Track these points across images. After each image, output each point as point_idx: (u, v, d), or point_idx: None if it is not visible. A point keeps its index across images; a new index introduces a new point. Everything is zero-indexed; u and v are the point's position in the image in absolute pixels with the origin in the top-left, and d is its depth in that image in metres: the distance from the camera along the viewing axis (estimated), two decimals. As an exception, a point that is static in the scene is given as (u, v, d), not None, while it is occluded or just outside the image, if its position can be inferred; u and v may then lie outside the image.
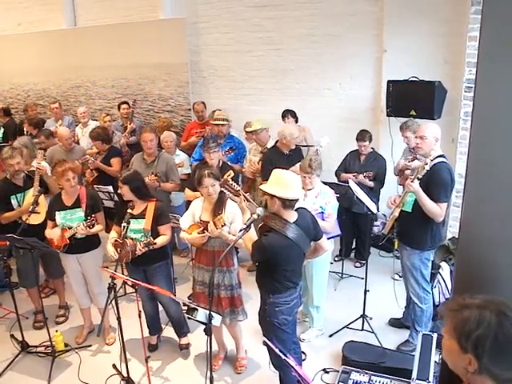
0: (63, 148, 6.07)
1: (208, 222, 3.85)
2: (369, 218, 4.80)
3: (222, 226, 3.75)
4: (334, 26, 6.73)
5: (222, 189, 3.75)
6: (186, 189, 5.10)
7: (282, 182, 3.22)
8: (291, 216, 3.29)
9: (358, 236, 6.24)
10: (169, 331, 4.70)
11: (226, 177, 4.03)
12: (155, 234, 4.11)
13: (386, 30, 6.29)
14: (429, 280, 4.27)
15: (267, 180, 3.39)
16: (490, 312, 1.56)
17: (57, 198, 4.49)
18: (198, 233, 3.86)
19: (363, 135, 5.71)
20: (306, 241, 3.36)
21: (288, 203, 3.21)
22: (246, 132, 6.17)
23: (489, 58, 1.85)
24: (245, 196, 3.53)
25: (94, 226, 4.22)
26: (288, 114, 6.48)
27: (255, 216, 3.24)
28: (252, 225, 3.33)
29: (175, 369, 4.36)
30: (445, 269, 4.97)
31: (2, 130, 8.02)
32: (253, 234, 3.45)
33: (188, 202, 4.88)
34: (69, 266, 4.57)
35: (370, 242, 5.35)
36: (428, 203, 3.84)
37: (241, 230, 3.28)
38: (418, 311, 4.27)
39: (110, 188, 5.25)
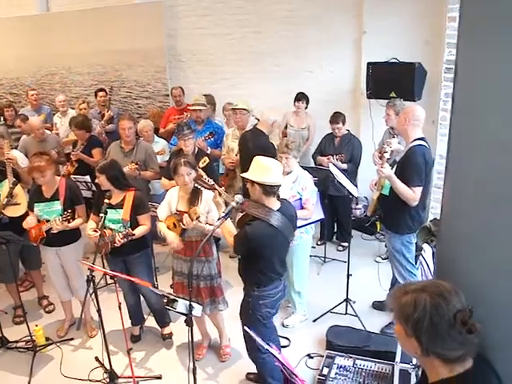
0: (36, 138, 5.92)
1: (185, 213, 3.79)
2: (347, 200, 4.79)
3: (197, 218, 3.69)
4: (313, 7, 6.65)
5: (196, 185, 3.65)
6: (163, 178, 5.02)
7: (262, 168, 3.16)
8: (274, 204, 3.23)
9: (337, 219, 6.23)
10: (152, 321, 4.64)
11: (199, 172, 3.95)
12: (134, 223, 4.05)
13: (365, 11, 6.24)
14: (414, 262, 4.26)
15: (243, 164, 3.33)
16: (427, 295, 1.60)
17: (37, 188, 4.38)
18: (174, 224, 3.81)
19: (336, 117, 5.70)
20: (290, 229, 3.30)
21: (269, 189, 3.15)
22: (231, 110, 6.03)
23: (468, 38, 1.80)
24: (219, 190, 3.46)
25: (69, 221, 4.12)
26: (302, 97, 6.39)
27: (234, 203, 3.17)
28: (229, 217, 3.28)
29: (158, 359, 4.32)
30: (427, 250, 4.96)
31: None
32: (231, 227, 3.38)
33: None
34: (48, 259, 4.48)
35: (351, 223, 5.35)
36: (400, 187, 3.83)
37: (219, 219, 3.22)
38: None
39: (88, 178, 5.15)
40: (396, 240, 4.13)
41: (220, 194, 3.45)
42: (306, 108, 6.46)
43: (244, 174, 3.27)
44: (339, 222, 6.24)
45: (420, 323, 1.58)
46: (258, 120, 5.66)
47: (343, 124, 5.70)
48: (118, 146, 5.42)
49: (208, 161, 4.81)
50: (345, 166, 5.56)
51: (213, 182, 3.51)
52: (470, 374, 1.62)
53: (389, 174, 3.83)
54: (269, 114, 5.23)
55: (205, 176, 3.62)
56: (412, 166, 3.84)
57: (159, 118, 6.98)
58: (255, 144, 5.00)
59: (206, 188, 3.58)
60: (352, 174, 5.59)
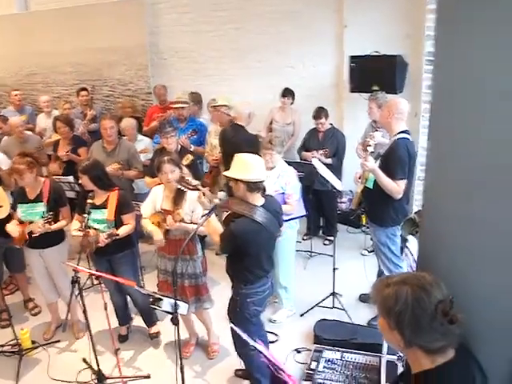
0: (17, 139, 5.85)
1: (169, 212, 3.79)
2: (332, 195, 4.80)
3: (180, 220, 3.68)
4: (294, 3, 6.65)
5: (180, 186, 3.64)
6: (146, 176, 5.00)
7: (245, 165, 3.16)
8: (258, 200, 3.23)
9: (323, 213, 6.24)
10: (139, 321, 4.62)
11: (182, 172, 3.93)
12: (119, 223, 4.03)
13: (345, 5, 6.25)
14: (399, 254, 4.29)
15: (225, 160, 3.32)
16: (408, 287, 1.61)
17: (21, 189, 4.33)
18: (159, 222, 3.81)
19: (319, 112, 5.71)
20: (275, 224, 3.30)
21: (253, 186, 3.15)
22: (211, 107, 6.03)
23: (446, 29, 1.81)
24: (203, 190, 3.44)
25: (51, 223, 4.08)
26: (288, 93, 6.39)
27: (217, 200, 3.18)
28: (213, 213, 3.27)
29: (146, 358, 4.31)
30: (412, 242, 5.00)
31: None
32: (217, 225, 3.36)
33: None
34: (32, 262, 4.44)
35: (336, 217, 5.37)
36: (384, 180, 3.85)
37: (203, 216, 3.21)
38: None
39: (71, 178, 5.11)
40: (381, 233, 4.15)
41: (204, 194, 3.43)
42: (292, 104, 6.46)
43: (226, 173, 3.25)
44: (325, 216, 6.26)
45: (402, 316, 1.59)
46: (229, 116, 5.66)
47: (326, 119, 5.70)
48: (100, 145, 5.37)
49: (191, 158, 4.80)
50: (329, 160, 5.56)
51: (196, 183, 3.49)
52: (452, 365, 1.64)
53: (372, 167, 3.85)
54: (242, 106, 5.27)
55: (187, 177, 3.60)
56: (395, 159, 3.86)
57: (133, 109, 6.85)
58: (240, 138, 5.00)
59: (189, 189, 3.56)
60: (337, 169, 5.60)
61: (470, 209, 1.78)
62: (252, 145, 4.94)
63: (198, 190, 3.46)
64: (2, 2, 9.04)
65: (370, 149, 3.89)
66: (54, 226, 4.16)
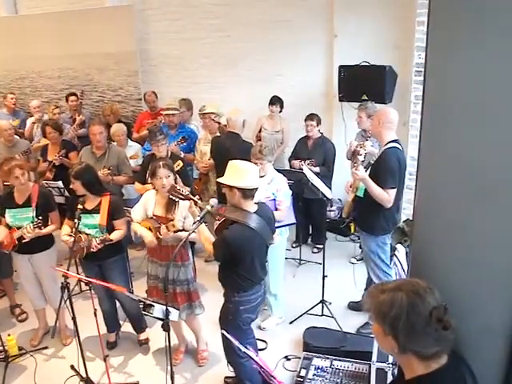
0: (6, 143, 5.80)
1: (162, 218, 3.79)
2: (321, 203, 4.83)
3: (175, 231, 3.69)
4: (284, 12, 6.69)
5: (171, 196, 3.63)
6: (136, 182, 4.99)
7: (239, 173, 3.17)
8: (251, 207, 3.24)
9: (312, 221, 6.27)
10: (128, 327, 4.60)
11: (173, 184, 3.91)
12: (110, 228, 4.02)
13: (335, 15, 6.31)
14: (389, 263, 4.32)
15: (219, 169, 3.33)
16: (403, 293, 1.63)
17: (8, 195, 4.29)
18: (150, 229, 3.82)
19: (311, 115, 5.78)
20: (268, 231, 3.32)
21: (248, 193, 3.16)
22: (200, 114, 6.03)
23: (437, 42, 1.84)
24: (194, 199, 3.44)
25: (41, 227, 4.05)
26: (276, 101, 6.42)
27: (208, 207, 3.18)
28: (203, 223, 3.28)
29: (136, 365, 4.29)
30: (400, 251, 5.03)
31: None
32: (207, 234, 3.37)
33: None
34: (20, 267, 4.40)
35: (325, 226, 5.39)
36: (375, 189, 3.89)
37: (194, 223, 3.22)
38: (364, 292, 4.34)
39: (60, 183, 5.07)
40: (371, 241, 4.19)
41: (196, 203, 3.43)
42: (281, 112, 6.50)
43: (221, 180, 3.25)
44: (314, 224, 6.28)
45: (397, 321, 1.60)
46: (219, 124, 5.66)
47: (317, 124, 5.75)
48: (89, 151, 5.35)
49: (182, 164, 4.80)
50: (317, 169, 5.60)
51: (187, 192, 3.49)
52: (446, 370, 1.66)
53: (363, 176, 3.88)
54: (237, 114, 5.26)
55: (178, 186, 3.59)
56: (386, 168, 3.90)
57: (114, 113, 6.83)
58: (238, 148, 4.98)
59: (181, 199, 3.56)
60: (326, 177, 5.62)
61: (461, 217, 1.81)
62: (248, 153, 5.02)
63: (190, 199, 3.46)
64: (-10, 6, 9.00)
65: (361, 158, 3.94)
66: (44, 231, 4.13)
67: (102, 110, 7.20)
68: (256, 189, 3.21)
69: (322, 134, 5.89)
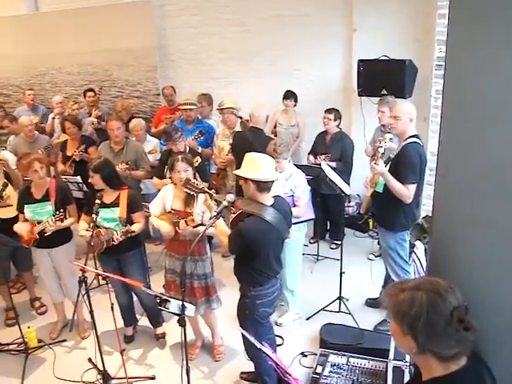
0: (26, 139, 5.88)
1: (180, 212, 3.80)
2: (339, 198, 4.79)
3: (194, 226, 3.68)
4: (303, 6, 6.65)
5: (186, 190, 3.63)
6: (154, 177, 5.00)
7: (255, 165, 3.16)
8: (267, 200, 3.22)
9: (330, 217, 6.23)
10: (145, 321, 4.63)
11: (188, 177, 3.92)
12: (129, 222, 4.04)
13: (355, 9, 6.25)
14: (408, 260, 4.27)
15: (239, 163, 3.31)
16: (423, 292, 1.59)
17: (26, 190, 4.34)
18: (172, 227, 3.81)
19: (330, 110, 5.75)
20: (284, 225, 3.29)
21: (263, 186, 3.14)
22: (218, 109, 6.02)
23: (457, 36, 1.80)
24: (210, 193, 3.43)
25: (62, 220, 4.10)
26: (290, 95, 6.40)
27: (225, 203, 3.16)
28: (221, 216, 3.26)
29: (152, 359, 4.31)
30: (419, 247, 4.98)
31: None
32: (224, 228, 3.36)
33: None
34: (40, 261, 4.46)
35: (343, 222, 5.35)
36: (394, 184, 3.83)
37: (211, 218, 3.21)
38: (383, 291, 4.28)
39: (79, 178, 5.11)
40: (390, 237, 4.13)
41: (211, 196, 3.42)
42: (295, 106, 6.47)
43: (237, 171, 3.25)
44: (331, 220, 6.24)
45: (416, 321, 1.57)
46: (241, 119, 5.65)
47: (335, 119, 5.70)
48: (107, 146, 5.39)
49: (200, 160, 4.79)
50: (334, 164, 5.56)
51: (202, 186, 3.48)
52: (465, 372, 1.62)
53: (382, 170, 3.83)
54: (260, 110, 5.23)
55: (193, 180, 3.59)
56: (406, 163, 3.84)
57: (125, 109, 6.80)
58: (262, 143, 4.97)
59: (195, 192, 3.56)
60: (344, 173, 5.58)
61: (482, 213, 1.77)
62: None
63: (205, 192, 3.45)
64: (11, 3, 9.10)
65: (381, 150, 3.86)
66: (64, 223, 4.18)
67: (114, 105, 7.25)
68: (272, 182, 3.17)
69: (340, 129, 5.84)
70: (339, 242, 5.86)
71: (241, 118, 5.67)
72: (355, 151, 5.79)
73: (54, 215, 4.12)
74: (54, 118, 7.09)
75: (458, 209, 1.89)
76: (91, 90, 7.44)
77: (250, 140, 5.04)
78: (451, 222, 1.94)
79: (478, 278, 1.77)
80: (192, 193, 3.64)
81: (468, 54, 1.75)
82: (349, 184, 5.49)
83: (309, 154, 5.93)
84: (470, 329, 1.56)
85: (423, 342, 1.58)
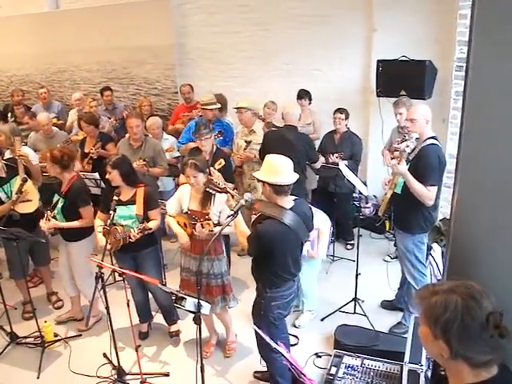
0: (45, 135, 5.95)
1: (197, 213, 3.83)
2: (347, 198, 4.77)
3: (210, 230, 3.70)
4: (323, 6, 6.60)
5: (208, 189, 3.64)
6: (182, 175, 5.01)
7: (273, 168, 3.14)
8: (286, 202, 3.19)
9: (337, 216, 6.16)
10: (159, 318, 4.65)
11: (212, 173, 3.94)
12: (145, 219, 4.06)
13: (375, 8, 6.19)
14: (425, 262, 4.22)
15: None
16: (457, 296, 1.55)
17: (58, 184, 4.44)
18: (185, 224, 3.84)
19: (340, 109, 5.77)
20: (303, 229, 3.26)
21: (279, 189, 3.12)
22: (235, 109, 6.02)
23: (482, 36, 1.77)
24: (232, 193, 3.43)
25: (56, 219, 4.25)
26: (304, 94, 6.41)
27: (243, 202, 3.16)
28: (240, 214, 3.27)
29: (166, 356, 4.33)
30: (436, 250, 4.93)
31: None
32: (244, 228, 3.36)
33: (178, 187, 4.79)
34: (60, 252, 4.57)
35: (351, 222, 5.31)
36: (416, 186, 3.78)
37: (228, 217, 3.21)
38: (413, 293, 4.24)
39: (97, 175, 5.15)
40: (408, 240, 4.09)
41: (233, 197, 3.43)
42: (310, 104, 6.46)
43: (256, 174, 3.24)
44: (339, 220, 6.16)
45: (450, 325, 1.53)
46: (263, 120, 5.65)
47: (346, 118, 5.72)
48: (126, 142, 5.43)
49: (224, 163, 4.73)
50: (345, 162, 5.54)
51: (224, 185, 3.48)
52: (495, 381, 1.57)
53: (404, 171, 3.77)
54: (293, 108, 5.26)
55: (215, 179, 3.60)
56: (427, 165, 3.79)
57: (150, 107, 6.85)
58: (301, 141, 5.05)
59: (217, 191, 3.57)
60: (354, 171, 5.57)
61: (503, 216, 1.75)
62: (309, 145, 5.10)
63: (227, 192, 3.46)
64: (33, 1, 9.22)
65: (408, 150, 3.78)
66: (65, 224, 4.27)
67: (138, 101, 7.28)
68: (289, 185, 3.15)
69: (348, 128, 5.86)
70: (352, 242, 5.86)
71: (263, 119, 5.66)
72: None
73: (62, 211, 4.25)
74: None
75: (479, 212, 1.86)
76: (108, 88, 7.49)
77: (286, 138, 5.02)
78: (473, 226, 1.92)
79: (500, 283, 1.74)
80: (214, 192, 3.66)
81: (493, 56, 1.72)
82: (365, 184, 5.48)
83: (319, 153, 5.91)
84: (506, 335, 1.51)
85: (456, 346, 1.54)
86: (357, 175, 5.63)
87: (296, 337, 4.38)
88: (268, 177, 3.11)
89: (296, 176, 3.20)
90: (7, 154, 5.06)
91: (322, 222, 4.31)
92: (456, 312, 1.52)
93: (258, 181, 3.22)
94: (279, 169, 3.13)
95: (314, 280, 4.65)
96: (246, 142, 5.64)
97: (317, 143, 6.43)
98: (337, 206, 5.87)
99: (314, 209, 3.62)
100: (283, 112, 5.30)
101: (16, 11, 9.37)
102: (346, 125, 5.83)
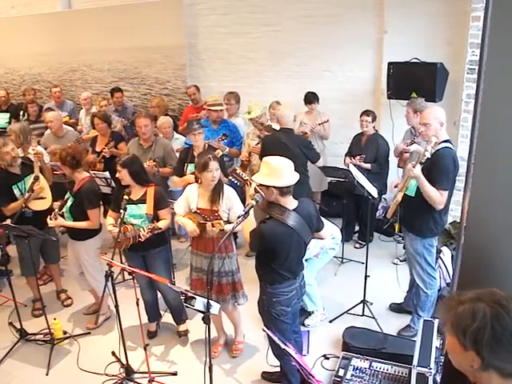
0: (55, 134, 5.98)
1: (206, 211, 3.84)
2: (370, 201, 4.75)
3: (221, 230, 3.71)
4: (333, 7, 6.61)
5: (230, 177, 3.66)
6: (174, 176, 5.04)
7: (275, 171, 3.13)
8: (290, 203, 3.21)
9: (361, 218, 6.18)
10: (168, 317, 4.66)
11: (234, 167, 3.99)
12: (155, 218, 4.08)
13: (386, 10, 6.18)
14: (434, 266, 4.21)
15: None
16: (485, 304, 1.50)
17: (71, 183, 4.48)
18: (199, 227, 3.85)
19: (367, 112, 5.72)
20: (306, 229, 3.26)
21: (285, 190, 3.13)
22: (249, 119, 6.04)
23: (496, 39, 1.77)
24: (253, 186, 3.44)
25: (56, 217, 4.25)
26: (313, 98, 6.37)
27: (253, 202, 3.16)
28: (251, 213, 3.27)
29: (174, 355, 4.33)
30: (446, 253, 4.93)
31: (8, 114, 7.91)
32: (253, 227, 3.35)
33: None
34: (69, 250, 4.60)
35: (373, 225, 5.29)
36: (429, 189, 3.75)
37: (239, 217, 3.21)
38: (422, 296, 4.22)
39: (107, 174, 5.17)
40: (418, 243, 4.07)
41: (256, 190, 3.42)
42: (318, 104, 6.44)
43: (258, 180, 3.19)
44: (362, 222, 6.17)
45: (480, 334, 1.47)
46: (262, 125, 5.65)
47: (372, 120, 5.69)
48: (136, 142, 5.46)
49: (221, 153, 4.77)
50: (368, 165, 5.57)
51: (247, 177, 3.49)
52: None
53: (419, 174, 3.74)
54: (288, 109, 5.21)
55: (239, 170, 3.61)
56: (441, 169, 3.75)
57: (161, 108, 6.89)
58: (297, 144, 5.01)
59: (239, 181, 3.58)
60: (378, 174, 5.60)
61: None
62: (306, 147, 5.08)
63: (249, 183, 3.46)
64: (46, 1, 9.32)
65: (428, 154, 3.74)
66: (69, 223, 4.32)
67: (151, 101, 7.32)
68: (293, 185, 3.16)
69: (376, 131, 5.83)
70: (363, 242, 5.84)
71: (262, 124, 5.67)
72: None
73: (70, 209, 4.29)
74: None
75: (492, 215, 1.86)
76: (119, 89, 7.52)
77: (283, 141, 5.01)
78: (485, 229, 1.91)
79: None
80: (236, 181, 3.66)
81: (506, 59, 1.72)
82: (386, 186, 5.46)
83: (346, 155, 5.91)
84: None
85: (488, 356, 1.48)
86: (384, 179, 5.64)
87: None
88: (273, 181, 3.10)
89: (297, 175, 3.21)
90: (19, 153, 5.09)
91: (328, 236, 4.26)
92: (485, 320, 1.47)
93: (260, 185, 3.19)
94: (282, 171, 3.13)
95: (312, 280, 4.62)
96: (258, 137, 5.65)
97: (326, 143, 6.46)
98: (362, 209, 5.88)
99: (324, 220, 3.61)
100: (277, 115, 5.30)
101: (29, 11, 9.47)
102: (374, 127, 5.79)
